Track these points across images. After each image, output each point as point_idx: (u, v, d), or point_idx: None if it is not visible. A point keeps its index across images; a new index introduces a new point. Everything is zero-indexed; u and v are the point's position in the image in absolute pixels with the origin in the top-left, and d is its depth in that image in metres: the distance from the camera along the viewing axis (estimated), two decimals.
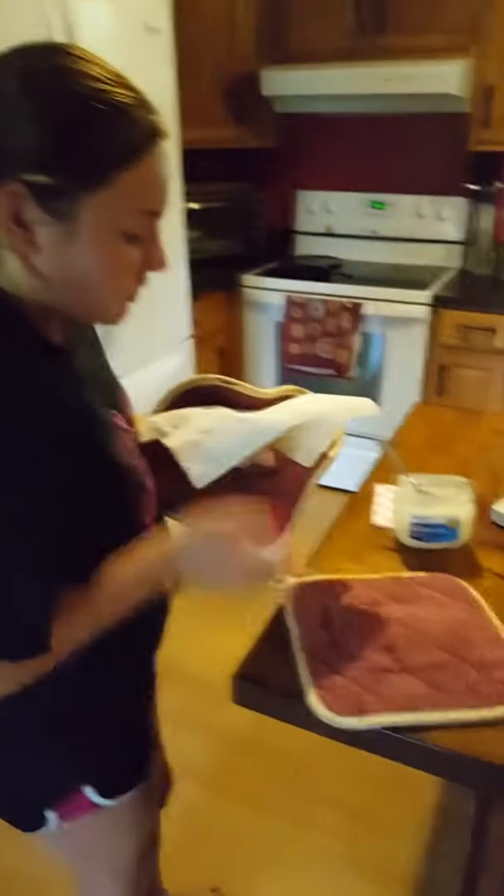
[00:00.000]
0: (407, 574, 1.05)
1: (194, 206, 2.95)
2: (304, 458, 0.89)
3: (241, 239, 3.20)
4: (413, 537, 1.10)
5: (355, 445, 3.05)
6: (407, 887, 1.57)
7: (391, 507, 1.18)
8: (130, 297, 0.73)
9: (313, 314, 2.80)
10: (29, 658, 0.69)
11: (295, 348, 2.88)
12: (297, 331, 2.85)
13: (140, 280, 0.72)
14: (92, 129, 0.61)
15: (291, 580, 1.01)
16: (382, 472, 1.36)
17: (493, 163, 2.88)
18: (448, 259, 3.09)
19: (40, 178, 0.60)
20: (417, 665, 0.86)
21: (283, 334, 2.88)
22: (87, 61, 0.62)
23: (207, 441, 0.87)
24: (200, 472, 0.82)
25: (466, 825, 1.65)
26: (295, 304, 2.81)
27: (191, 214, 2.64)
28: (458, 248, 3.07)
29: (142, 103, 0.65)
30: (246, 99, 2.89)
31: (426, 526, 1.09)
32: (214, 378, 1.01)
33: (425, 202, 3.05)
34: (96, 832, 0.96)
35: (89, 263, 0.65)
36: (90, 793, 0.89)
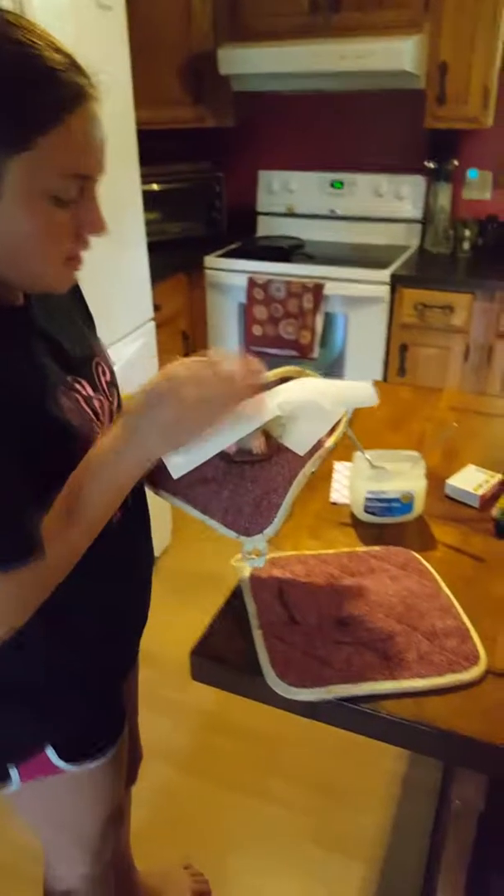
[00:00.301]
0: (361, 548, 1.07)
1: (154, 187, 2.92)
2: (297, 446, 0.84)
3: (202, 220, 3.18)
4: (368, 512, 1.12)
5: None
6: (374, 858, 1.61)
7: (347, 484, 1.20)
8: (71, 262, 0.72)
9: (275, 295, 2.79)
10: (19, 564, 0.67)
11: (258, 330, 2.88)
12: (260, 312, 2.84)
13: (80, 244, 0.72)
14: (12, 91, 0.61)
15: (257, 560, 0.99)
16: (341, 449, 1.37)
17: (450, 140, 2.90)
18: (408, 238, 3.11)
19: None
20: (371, 637, 0.88)
21: (246, 316, 2.88)
22: (15, 25, 0.62)
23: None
24: (178, 463, 0.78)
25: (431, 795, 1.70)
26: (257, 286, 2.81)
27: (150, 196, 2.62)
28: (417, 226, 3.09)
29: (69, 67, 0.64)
30: (203, 78, 2.86)
31: (380, 500, 1.11)
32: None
33: (384, 181, 3.06)
34: (58, 797, 0.97)
35: (18, 227, 0.66)
36: (51, 754, 0.90)
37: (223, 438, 0.78)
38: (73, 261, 0.73)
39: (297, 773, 1.80)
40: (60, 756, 0.91)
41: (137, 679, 1.23)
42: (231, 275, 2.89)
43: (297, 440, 0.84)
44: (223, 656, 0.88)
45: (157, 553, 1.93)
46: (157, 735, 1.84)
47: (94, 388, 0.83)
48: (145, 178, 2.28)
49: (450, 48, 2.54)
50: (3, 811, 1.69)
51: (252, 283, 2.81)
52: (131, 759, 1.26)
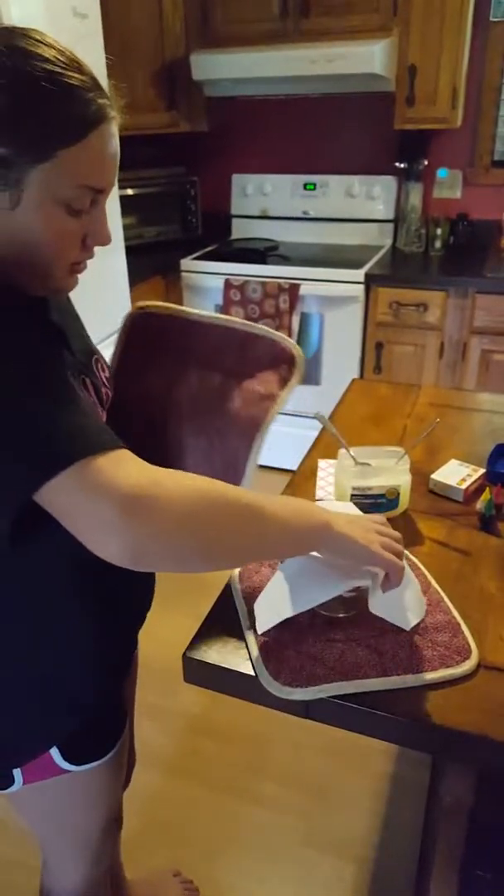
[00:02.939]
0: None
1: (129, 192, 2.92)
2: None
3: (178, 224, 3.18)
4: None
5: (296, 425, 3.08)
6: (365, 858, 1.61)
7: (332, 481, 1.20)
8: (75, 266, 0.78)
9: (251, 296, 2.80)
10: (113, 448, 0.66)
11: None
12: (237, 313, 2.84)
13: (86, 252, 0.77)
14: (40, 107, 0.66)
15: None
16: (323, 447, 1.38)
17: (420, 141, 2.93)
18: (380, 237, 3.13)
19: None
20: (362, 634, 0.88)
21: None
22: (43, 44, 0.68)
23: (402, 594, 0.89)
24: (264, 620, 0.86)
25: (421, 793, 1.70)
26: (233, 287, 2.81)
27: (126, 201, 2.61)
28: (389, 226, 3.11)
29: (91, 87, 0.69)
30: (176, 84, 2.87)
31: (366, 497, 1.11)
32: (163, 306, 0.98)
33: (356, 182, 3.08)
34: (60, 798, 0.97)
35: (33, 232, 0.71)
36: (56, 755, 0.90)
37: (312, 597, 0.85)
38: (78, 266, 0.78)
39: (285, 775, 1.80)
40: (65, 757, 0.91)
41: (135, 679, 1.22)
42: (207, 277, 2.89)
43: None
44: (215, 657, 0.88)
45: None
46: (143, 740, 1.82)
47: (97, 380, 0.88)
48: (121, 184, 2.28)
49: (418, 51, 2.57)
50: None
51: (228, 285, 2.81)
52: (127, 762, 1.25)
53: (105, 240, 0.76)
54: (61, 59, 0.68)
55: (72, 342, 0.84)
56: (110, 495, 0.62)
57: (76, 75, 0.68)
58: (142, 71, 2.80)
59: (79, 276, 0.80)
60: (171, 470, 0.69)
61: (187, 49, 2.79)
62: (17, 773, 0.91)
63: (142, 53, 2.77)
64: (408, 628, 0.88)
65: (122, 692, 1.01)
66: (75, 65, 0.69)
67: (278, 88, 2.94)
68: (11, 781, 0.92)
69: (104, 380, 0.91)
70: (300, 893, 1.54)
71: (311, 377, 2.89)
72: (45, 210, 0.70)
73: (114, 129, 0.72)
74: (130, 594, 0.96)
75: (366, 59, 2.49)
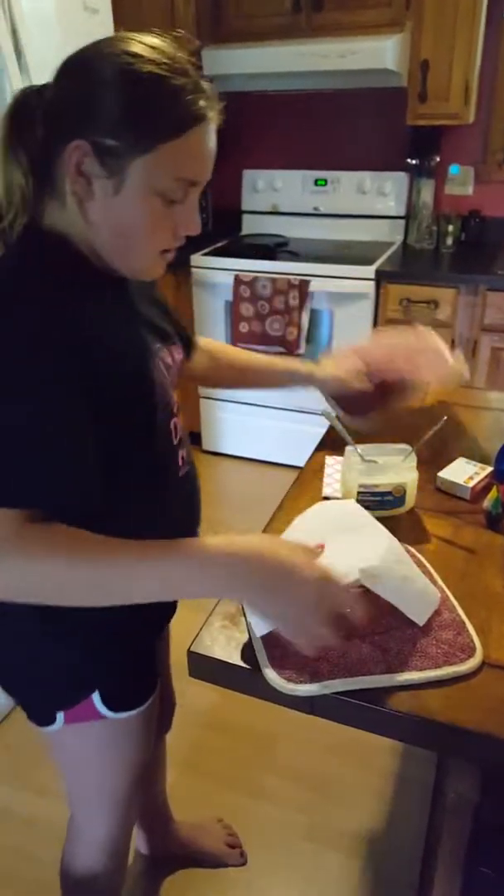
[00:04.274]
0: None
1: None
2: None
3: None
4: (361, 506, 1.12)
5: (304, 422, 3.07)
6: (370, 854, 1.61)
7: (339, 478, 1.20)
8: (165, 254, 0.85)
9: (261, 292, 2.80)
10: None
11: (244, 327, 2.88)
12: (247, 310, 2.84)
13: (175, 240, 0.83)
14: (146, 106, 0.75)
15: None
16: (331, 444, 1.38)
17: (432, 137, 2.92)
18: (391, 234, 3.12)
19: (102, 140, 0.74)
20: (367, 630, 0.88)
21: (233, 313, 2.88)
22: (152, 48, 0.76)
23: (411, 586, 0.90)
24: (260, 624, 0.84)
25: (426, 790, 1.71)
26: (243, 283, 2.81)
27: None
28: (400, 222, 3.10)
29: (193, 89, 0.76)
30: None
31: (373, 494, 1.11)
32: None
33: (367, 178, 3.07)
34: (95, 743, 1.04)
35: (129, 215, 0.78)
36: (97, 700, 0.98)
37: None
38: (168, 253, 0.85)
39: (291, 770, 1.80)
40: (105, 702, 0.98)
41: (169, 635, 1.30)
42: (217, 273, 2.89)
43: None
44: (220, 653, 0.88)
45: None
46: None
47: (169, 362, 0.96)
48: None
49: (431, 46, 2.55)
50: None
51: (238, 281, 2.81)
52: (165, 707, 1.35)
53: (195, 229, 0.83)
54: (168, 62, 0.75)
55: (155, 321, 0.94)
56: None
57: (181, 77, 0.75)
58: None
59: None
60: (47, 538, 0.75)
61: (199, 44, 2.78)
62: (59, 714, 0.99)
63: None
64: (421, 622, 0.89)
65: (155, 650, 1.08)
66: (181, 68, 0.76)
67: (290, 84, 2.93)
68: (53, 720, 0.99)
69: (174, 360, 0.98)
70: (304, 888, 1.55)
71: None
72: (143, 198, 0.77)
73: (212, 128, 0.79)
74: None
75: (378, 54, 2.49)
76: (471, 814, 1.16)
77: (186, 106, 0.76)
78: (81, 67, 0.77)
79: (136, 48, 0.76)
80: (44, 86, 0.80)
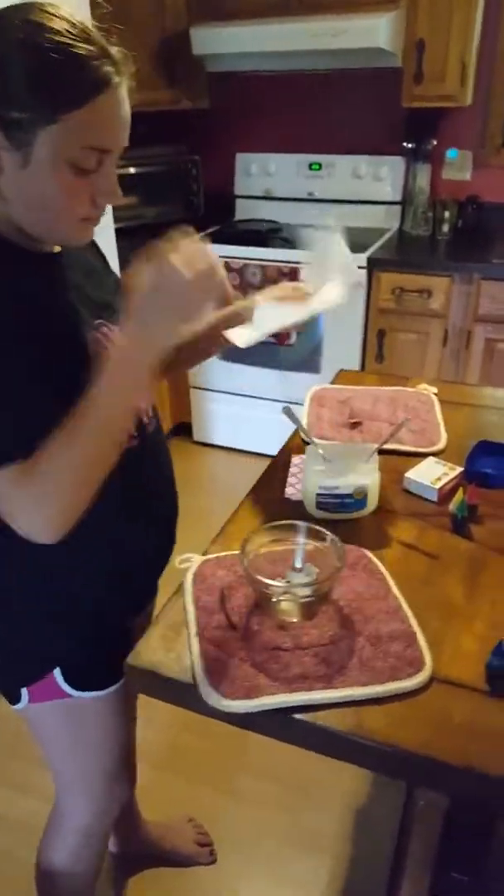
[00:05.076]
0: (310, 546, 1.03)
1: (130, 171, 2.86)
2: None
3: (179, 204, 3.12)
4: (320, 508, 1.08)
5: (280, 411, 3.00)
6: (341, 855, 1.59)
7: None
8: (86, 222, 0.84)
9: (251, 280, 2.74)
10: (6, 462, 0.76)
11: None
12: (235, 297, 2.78)
13: (95, 208, 0.83)
14: (47, 75, 0.73)
15: (197, 558, 0.99)
16: (299, 440, 1.33)
17: (429, 120, 2.84)
18: (387, 220, 3.05)
19: (7, 113, 0.73)
20: (311, 641, 0.85)
21: None
22: (56, 17, 0.74)
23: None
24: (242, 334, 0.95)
25: (399, 793, 1.67)
26: (232, 270, 2.75)
27: (126, 180, 2.55)
28: (396, 208, 3.03)
29: (98, 55, 0.74)
30: (177, 59, 2.79)
31: (333, 496, 1.06)
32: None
33: (363, 162, 2.99)
34: (63, 723, 1.05)
35: (41, 187, 0.77)
36: (58, 676, 0.98)
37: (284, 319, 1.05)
38: (88, 221, 0.84)
39: (266, 771, 1.78)
40: (67, 680, 0.98)
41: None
42: None
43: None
44: (159, 668, 0.84)
45: None
46: None
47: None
48: (119, 163, 2.23)
49: (426, 25, 2.47)
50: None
51: (227, 269, 2.74)
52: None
53: (113, 198, 0.82)
54: (71, 30, 0.74)
55: (92, 294, 0.92)
56: None
57: (83, 45, 0.74)
58: (141, 46, 2.70)
59: (93, 228, 0.87)
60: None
61: (188, 23, 2.71)
62: (23, 691, 1.00)
63: (141, 28, 2.69)
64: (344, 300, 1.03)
65: (131, 633, 1.03)
66: (84, 35, 0.75)
67: (282, 63, 2.85)
68: (18, 697, 1.01)
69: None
70: (276, 888, 1.53)
71: (312, 365, 2.83)
72: (53, 169, 0.76)
73: (121, 94, 0.77)
74: (145, 538, 1.03)
75: (371, 32, 2.41)
76: (440, 821, 1.13)
77: (89, 73, 0.74)
78: None
79: (37, 17, 0.74)
80: None
